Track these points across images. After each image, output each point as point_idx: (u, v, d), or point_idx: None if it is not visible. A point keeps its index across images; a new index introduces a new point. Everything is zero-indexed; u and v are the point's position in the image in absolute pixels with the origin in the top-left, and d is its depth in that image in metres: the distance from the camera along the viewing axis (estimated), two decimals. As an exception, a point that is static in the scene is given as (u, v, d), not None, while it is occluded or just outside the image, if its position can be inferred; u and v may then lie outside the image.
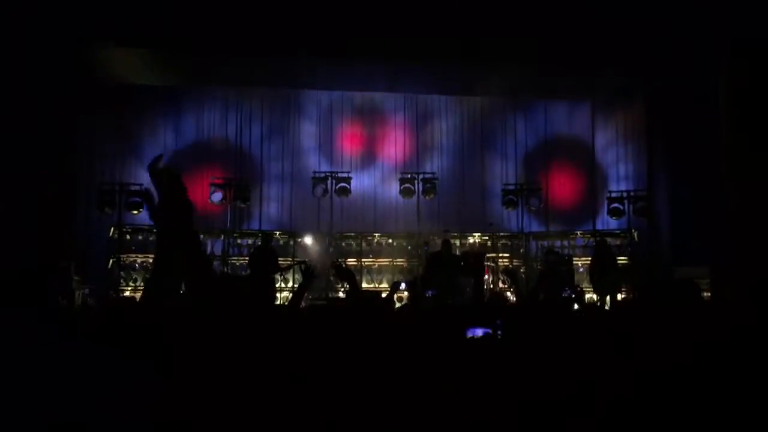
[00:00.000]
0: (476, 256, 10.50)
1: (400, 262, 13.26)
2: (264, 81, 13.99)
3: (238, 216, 13.91)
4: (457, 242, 13.12)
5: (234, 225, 13.57)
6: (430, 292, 9.85)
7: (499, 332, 3.60)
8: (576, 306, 5.93)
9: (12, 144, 9.81)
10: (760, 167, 8.64)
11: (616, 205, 13.12)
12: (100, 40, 11.11)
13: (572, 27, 11.37)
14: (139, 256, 12.26)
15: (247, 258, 12.15)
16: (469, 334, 3.58)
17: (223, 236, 12.98)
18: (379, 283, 12.95)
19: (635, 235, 12.93)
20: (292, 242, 13.16)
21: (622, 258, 12.51)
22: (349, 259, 12.96)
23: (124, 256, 12.24)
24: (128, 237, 12.36)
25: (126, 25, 10.91)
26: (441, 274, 10.12)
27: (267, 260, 11.08)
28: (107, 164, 13.12)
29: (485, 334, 3.58)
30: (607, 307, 9.80)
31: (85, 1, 10.68)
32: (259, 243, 11.88)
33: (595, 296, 11.63)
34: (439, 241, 11.64)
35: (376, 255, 13.31)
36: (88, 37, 10.91)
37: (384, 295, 6.93)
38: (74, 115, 11.68)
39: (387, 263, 13.25)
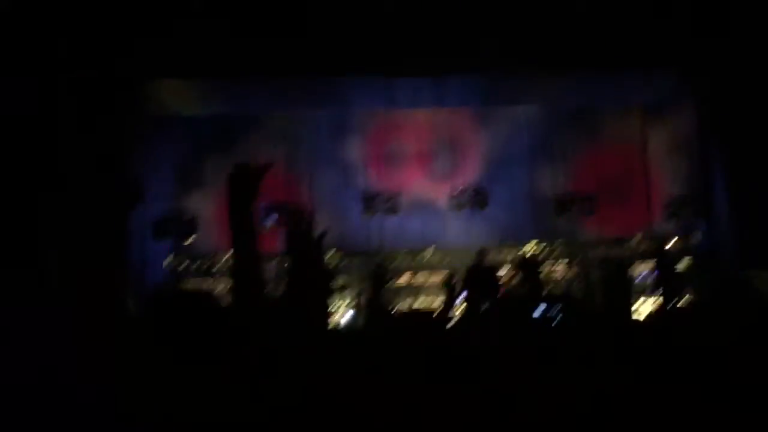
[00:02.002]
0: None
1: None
2: (311, 103, 14.10)
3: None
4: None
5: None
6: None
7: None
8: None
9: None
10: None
11: (673, 208, 12.80)
12: (148, 71, 11.30)
13: (619, 32, 11.16)
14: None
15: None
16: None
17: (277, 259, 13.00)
18: (433, 302, 12.79)
19: (695, 238, 12.57)
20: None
21: (682, 262, 12.17)
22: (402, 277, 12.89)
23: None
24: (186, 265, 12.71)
25: (173, 55, 11.07)
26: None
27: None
28: (159, 195, 13.37)
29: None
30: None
31: (132, 35, 10.85)
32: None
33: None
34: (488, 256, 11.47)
35: (429, 271, 13.15)
36: (136, 69, 11.08)
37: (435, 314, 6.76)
38: (125, 147, 11.92)
39: (440, 280, 13.06)
